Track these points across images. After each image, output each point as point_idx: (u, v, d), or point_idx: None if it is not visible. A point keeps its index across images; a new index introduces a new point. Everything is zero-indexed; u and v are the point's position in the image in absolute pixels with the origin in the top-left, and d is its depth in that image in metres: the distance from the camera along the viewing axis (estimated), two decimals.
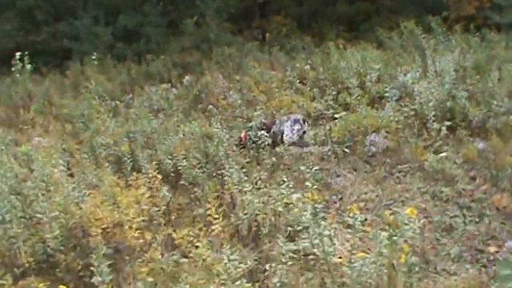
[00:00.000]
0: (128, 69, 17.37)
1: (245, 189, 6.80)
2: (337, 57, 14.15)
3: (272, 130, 10.01)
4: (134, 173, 7.28)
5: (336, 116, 10.60)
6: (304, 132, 10.10)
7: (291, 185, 6.64)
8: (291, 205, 6.25)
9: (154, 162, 7.59)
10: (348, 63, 13.33)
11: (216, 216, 5.95)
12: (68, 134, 10.51)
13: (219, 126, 9.08)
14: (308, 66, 14.51)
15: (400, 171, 8.65)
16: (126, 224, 6.11)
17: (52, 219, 6.07)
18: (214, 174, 7.98)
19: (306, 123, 10.27)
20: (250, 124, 9.65)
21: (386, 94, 10.57)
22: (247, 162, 9.23)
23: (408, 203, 7.56)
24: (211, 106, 12.61)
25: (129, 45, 19.25)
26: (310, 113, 11.60)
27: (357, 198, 7.87)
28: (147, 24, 19.37)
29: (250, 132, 9.53)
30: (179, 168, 7.83)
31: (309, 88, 12.91)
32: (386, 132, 9.67)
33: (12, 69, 15.17)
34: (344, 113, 10.54)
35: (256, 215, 6.46)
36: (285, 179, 6.66)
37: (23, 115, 12.23)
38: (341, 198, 7.97)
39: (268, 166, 9.02)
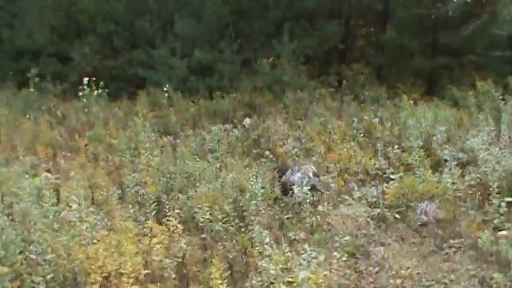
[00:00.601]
0: (196, 105, 17.07)
1: (266, 252, 6.13)
2: (406, 113, 13.31)
3: (282, 179, 10.12)
4: (150, 221, 6.73)
5: (392, 176, 9.76)
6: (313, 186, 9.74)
7: (313, 254, 5.91)
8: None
9: (176, 211, 7.04)
10: (417, 120, 12.50)
11: (219, 281, 5.31)
12: (108, 168, 10.12)
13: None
14: (376, 120, 13.71)
15: (450, 247, 7.80)
16: (125, 275, 5.54)
17: (48, 262, 5.58)
18: (243, 230, 7.35)
19: (317, 177, 10.13)
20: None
21: (446, 157, 9.65)
22: (287, 219, 8.63)
23: (451, 287, 6.70)
24: (267, 152, 12.08)
25: (202, 79, 19.04)
26: (368, 170, 10.82)
27: (395, 274, 7.06)
28: (221, 61, 19.10)
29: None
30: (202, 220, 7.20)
31: (372, 143, 12.12)
32: (443, 200, 8.82)
33: (80, 94, 15.10)
34: (401, 174, 9.71)
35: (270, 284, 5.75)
36: (307, 247, 5.93)
37: (76, 141, 11.98)
38: (377, 272, 7.16)
39: (308, 225, 8.36)
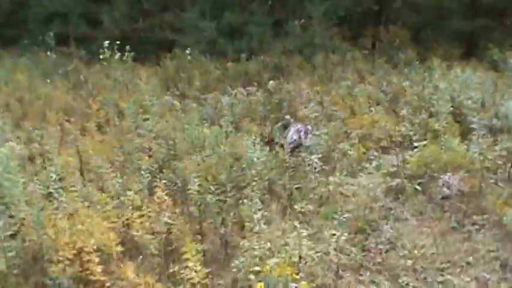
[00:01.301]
0: (223, 67, 16.31)
1: (256, 228, 5.40)
2: (438, 76, 12.28)
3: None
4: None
5: (416, 144, 8.85)
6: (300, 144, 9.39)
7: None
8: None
9: (163, 181, 6.33)
10: (450, 83, 11.51)
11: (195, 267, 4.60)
12: (116, 133, 9.47)
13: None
14: (406, 83, 12.72)
15: (473, 224, 6.93)
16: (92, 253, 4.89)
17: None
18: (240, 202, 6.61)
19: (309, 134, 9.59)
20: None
21: (475, 125, 8.68)
22: (296, 189, 7.86)
23: (469, 270, 5.88)
24: (287, 117, 11.29)
25: (232, 42, 18.20)
26: (392, 137, 9.93)
27: (407, 254, 6.26)
28: (251, 23, 18.25)
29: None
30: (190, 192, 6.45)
31: (400, 108, 11.19)
32: (469, 171, 7.91)
33: (101, 57, 14.44)
34: (425, 142, 8.79)
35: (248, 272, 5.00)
36: (297, 225, 5.18)
37: (89, 106, 11.35)
38: (387, 251, 6.36)
39: (317, 197, 7.61)
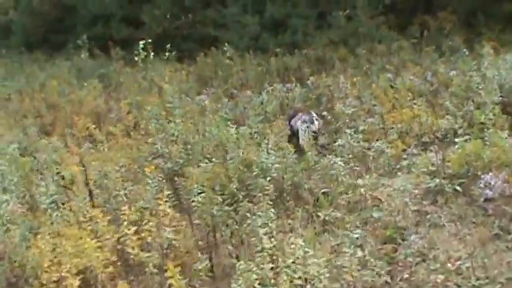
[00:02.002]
0: (266, 63, 15.68)
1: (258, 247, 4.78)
2: (487, 64, 11.30)
3: (291, 123, 9.65)
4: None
5: (456, 140, 8.01)
6: (315, 132, 9.47)
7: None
8: None
9: (167, 192, 5.76)
10: (499, 71, 10.55)
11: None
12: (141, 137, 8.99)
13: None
14: (454, 73, 11.79)
15: None
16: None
17: None
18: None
19: (317, 122, 9.58)
20: None
21: None
22: (322, 193, 7.17)
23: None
24: (325, 113, 10.61)
25: (275, 36, 17.54)
26: (433, 131, 9.11)
27: (439, 267, 5.50)
28: (295, 16, 17.52)
29: None
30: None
31: (443, 100, 10.32)
32: None
33: (136, 58, 14.00)
34: (466, 137, 7.95)
35: None
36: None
37: (119, 109, 10.94)
38: (418, 263, 5.62)
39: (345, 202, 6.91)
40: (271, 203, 5.90)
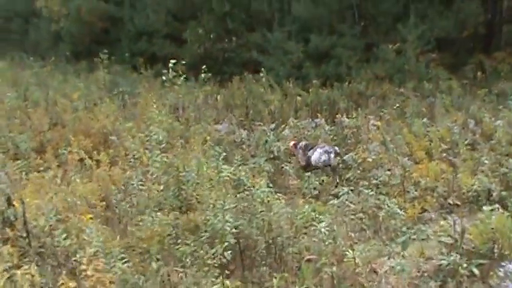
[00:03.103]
0: (306, 92, 14.51)
1: None
2: None
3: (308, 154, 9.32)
4: None
5: (485, 208, 6.62)
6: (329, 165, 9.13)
7: None
8: None
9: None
10: None
11: None
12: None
13: None
14: (500, 123, 10.35)
15: None
16: None
17: None
18: None
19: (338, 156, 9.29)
20: None
21: None
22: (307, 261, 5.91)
23: None
24: (347, 156, 9.36)
25: (318, 66, 16.37)
26: (462, 193, 7.73)
27: None
28: (340, 46, 16.27)
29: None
30: None
31: (481, 155, 8.91)
32: None
33: (163, 78, 13.06)
34: (495, 206, 6.56)
35: None
36: None
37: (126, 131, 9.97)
38: None
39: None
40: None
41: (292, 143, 9.75)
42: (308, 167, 9.43)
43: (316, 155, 9.18)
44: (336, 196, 8.27)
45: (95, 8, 20.76)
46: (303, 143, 9.78)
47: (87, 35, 21.18)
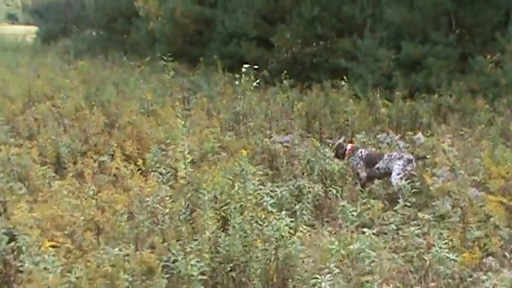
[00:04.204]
0: (391, 103, 13.38)
1: None
2: None
3: (377, 166, 8.46)
4: None
5: None
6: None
7: None
8: None
9: None
10: None
11: None
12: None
13: None
14: None
15: None
16: None
17: None
18: None
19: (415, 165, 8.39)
20: None
21: None
22: None
23: None
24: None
25: (408, 76, 15.05)
26: None
27: None
28: (433, 55, 14.87)
29: None
30: None
31: None
32: None
33: (236, 82, 12.38)
34: None
35: None
36: None
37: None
38: None
39: None
40: None
41: (349, 146, 8.90)
42: (368, 181, 8.60)
43: (399, 167, 8.19)
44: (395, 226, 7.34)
45: (189, 9, 20.42)
46: (363, 150, 8.77)
47: (181, 36, 20.91)
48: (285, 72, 14.76)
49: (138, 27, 24.21)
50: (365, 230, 6.96)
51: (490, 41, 14.66)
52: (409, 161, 8.27)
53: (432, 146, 9.54)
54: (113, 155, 8.87)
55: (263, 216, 5.79)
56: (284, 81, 14.92)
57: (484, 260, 6.06)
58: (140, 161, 8.25)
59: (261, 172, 7.48)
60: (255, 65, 17.41)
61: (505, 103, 12.72)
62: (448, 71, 14.62)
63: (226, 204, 6.10)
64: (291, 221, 5.83)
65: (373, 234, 6.99)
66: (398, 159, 8.28)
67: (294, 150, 9.37)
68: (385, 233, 7.08)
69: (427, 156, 9.01)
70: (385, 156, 8.48)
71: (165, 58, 13.90)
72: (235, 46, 18.81)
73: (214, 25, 19.98)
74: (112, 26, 26.75)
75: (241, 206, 5.86)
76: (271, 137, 10.23)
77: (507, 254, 6.17)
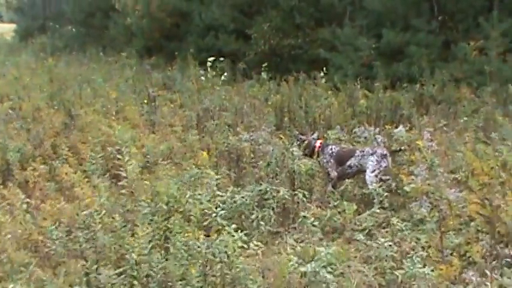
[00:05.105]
0: (373, 94, 12.57)
1: None
2: None
3: (349, 163, 7.56)
4: None
5: None
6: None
7: None
8: None
9: None
10: None
11: None
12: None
13: None
14: None
15: None
16: None
17: None
18: None
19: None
20: None
21: None
22: None
23: None
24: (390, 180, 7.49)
25: (389, 65, 14.22)
26: None
27: None
28: (414, 43, 14.07)
29: None
30: None
31: None
32: None
33: (202, 77, 11.56)
34: None
35: None
36: None
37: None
38: None
39: None
40: None
41: (318, 142, 7.94)
42: (341, 180, 7.76)
43: (372, 164, 7.36)
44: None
45: (166, 3, 19.55)
46: (333, 146, 7.93)
47: (158, 30, 20.02)
48: (264, 64, 13.98)
49: (116, 22, 23.26)
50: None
51: (473, 27, 13.89)
52: (383, 156, 7.43)
53: (410, 141, 8.70)
54: (66, 160, 8.09)
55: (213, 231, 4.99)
56: (262, 74, 14.13)
57: (463, 274, 5.26)
58: (93, 166, 7.43)
59: (219, 176, 6.66)
60: (233, 57, 16.83)
61: (490, 91, 11.96)
62: (430, 60, 13.83)
63: (169, 218, 5.27)
64: (246, 234, 5.05)
65: (346, 240, 6.34)
66: (372, 154, 7.46)
67: (262, 149, 8.51)
68: (357, 240, 6.29)
69: (402, 148, 8.18)
70: (357, 153, 7.63)
71: (140, 54, 13.15)
72: (213, 39, 17.99)
73: (191, 18, 19.11)
74: (90, 21, 25.76)
75: (186, 219, 5.05)
76: (239, 134, 9.37)
77: (489, 265, 5.38)
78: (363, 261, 5.88)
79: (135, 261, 4.31)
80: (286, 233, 6.52)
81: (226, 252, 4.51)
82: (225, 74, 11.21)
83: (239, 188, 6.89)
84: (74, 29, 28.00)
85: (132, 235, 4.73)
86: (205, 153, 5.70)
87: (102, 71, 17.11)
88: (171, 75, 16.39)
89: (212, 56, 14.28)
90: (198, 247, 4.52)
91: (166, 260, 4.57)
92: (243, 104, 11.52)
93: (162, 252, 4.74)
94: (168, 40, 20.00)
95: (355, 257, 5.95)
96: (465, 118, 10.29)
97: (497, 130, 9.12)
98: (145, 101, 11.32)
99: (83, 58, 21.77)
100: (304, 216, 5.91)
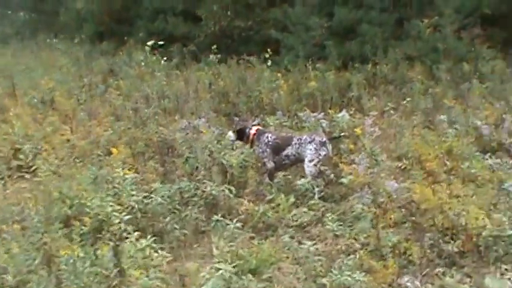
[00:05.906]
0: (322, 75, 11.90)
1: None
2: None
3: (286, 152, 6.88)
4: None
5: None
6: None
7: None
8: None
9: None
10: None
11: None
12: None
13: None
14: None
15: None
16: None
17: None
18: None
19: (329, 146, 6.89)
20: None
21: None
22: None
23: None
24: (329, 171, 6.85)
25: (342, 45, 13.54)
26: (473, 235, 5.10)
27: None
28: (367, 21, 13.41)
29: None
30: None
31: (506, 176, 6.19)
32: None
33: (141, 59, 10.75)
34: None
35: None
36: None
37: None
38: None
39: None
40: None
41: (254, 129, 7.23)
42: (278, 171, 7.12)
43: (311, 152, 6.72)
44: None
45: None
46: (269, 134, 7.22)
47: (108, 14, 19.05)
48: (214, 47, 13.19)
49: (67, 7, 22.19)
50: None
51: (427, 4, 13.24)
52: (322, 143, 6.76)
53: (355, 126, 8.02)
54: None
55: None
56: (211, 56, 13.36)
57: (399, 279, 4.63)
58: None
59: (134, 174, 5.93)
60: (184, 41, 16.01)
61: (444, 69, 11.38)
62: (383, 38, 13.18)
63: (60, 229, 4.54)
64: (156, 240, 4.36)
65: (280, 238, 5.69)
66: (310, 142, 6.78)
67: (195, 139, 7.74)
68: (292, 237, 5.64)
69: (342, 134, 7.51)
70: (295, 140, 6.95)
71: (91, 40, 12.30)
72: (163, 22, 17.09)
73: (140, 1, 18.18)
74: (41, 7, 24.62)
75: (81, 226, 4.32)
76: (174, 123, 8.61)
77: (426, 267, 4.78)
78: (295, 262, 5.24)
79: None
80: (212, 233, 5.82)
81: (118, 264, 3.80)
82: (172, 59, 10.37)
83: (163, 185, 6.17)
84: (25, 15, 26.75)
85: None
86: (115, 149, 4.97)
87: (49, 60, 16.13)
88: (118, 61, 15.51)
89: (162, 40, 13.52)
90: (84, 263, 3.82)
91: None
92: (186, 90, 10.74)
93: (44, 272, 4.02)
94: (119, 24, 19.03)
95: (287, 257, 5.29)
96: (414, 99, 9.65)
97: (445, 113, 8.51)
98: (83, 91, 10.50)
99: (33, 45, 20.70)
100: (217, 220, 5.22)
